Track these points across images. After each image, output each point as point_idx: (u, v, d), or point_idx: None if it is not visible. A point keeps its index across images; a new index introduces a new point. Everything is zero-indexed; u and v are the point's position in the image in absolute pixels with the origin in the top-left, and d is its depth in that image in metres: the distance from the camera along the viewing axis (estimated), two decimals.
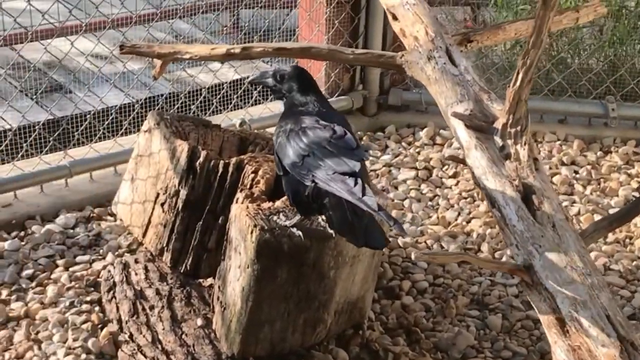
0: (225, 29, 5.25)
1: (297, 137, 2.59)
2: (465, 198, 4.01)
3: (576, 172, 4.28)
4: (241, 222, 2.75)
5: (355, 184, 2.36)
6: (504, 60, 4.92)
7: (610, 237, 3.73)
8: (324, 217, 2.64)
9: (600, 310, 2.28)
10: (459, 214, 3.90)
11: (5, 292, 3.29)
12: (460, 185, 4.11)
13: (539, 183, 2.54)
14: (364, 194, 2.33)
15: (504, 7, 4.97)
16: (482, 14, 5.54)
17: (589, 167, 4.30)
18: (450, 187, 4.13)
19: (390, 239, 3.62)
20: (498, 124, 2.65)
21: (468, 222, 3.84)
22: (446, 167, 4.26)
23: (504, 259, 3.54)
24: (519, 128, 2.62)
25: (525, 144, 2.61)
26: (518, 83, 2.57)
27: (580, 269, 2.35)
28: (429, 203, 4.01)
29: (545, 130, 4.62)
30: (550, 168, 4.28)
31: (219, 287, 2.96)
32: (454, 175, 4.19)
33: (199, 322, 2.99)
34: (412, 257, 2.21)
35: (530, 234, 2.43)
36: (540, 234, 2.43)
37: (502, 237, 2.55)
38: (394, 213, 3.83)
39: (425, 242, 3.67)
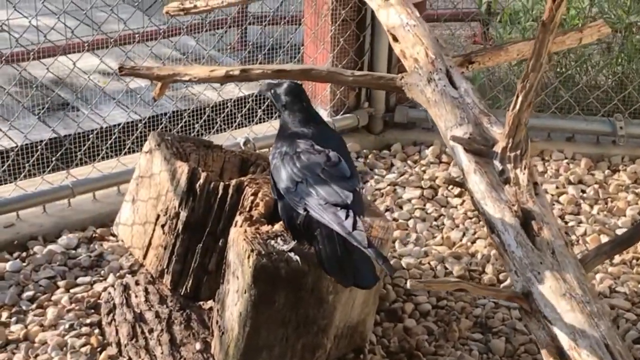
0: (231, 45, 5.24)
1: (291, 162, 2.56)
2: (471, 218, 3.97)
3: (583, 191, 4.24)
4: (239, 246, 2.73)
5: (347, 216, 2.33)
6: (510, 77, 4.88)
7: (617, 258, 3.68)
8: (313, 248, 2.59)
9: (599, 339, 2.24)
10: (464, 234, 3.87)
11: (5, 314, 3.28)
12: (466, 204, 4.07)
13: (538, 208, 2.51)
14: (354, 228, 2.29)
15: (510, 23, 4.94)
16: (489, 30, 5.52)
17: (596, 186, 4.26)
18: (456, 207, 4.09)
19: (393, 260, 3.59)
20: (498, 148, 2.62)
21: (473, 242, 3.81)
22: (452, 186, 4.22)
23: (508, 281, 3.51)
24: (518, 152, 2.59)
25: (525, 168, 2.58)
26: (518, 106, 2.54)
27: (579, 296, 2.31)
28: (434, 223, 3.98)
29: (553, 148, 4.58)
30: (557, 187, 4.24)
31: (217, 310, 2.94)
32: (460, 195, 4.15)
33: (198, 346, 2.96)
34: (408, 285, 2.17)
35: (529, 260, 2.39)
36: (539, 261, 2.39)
37: (502, 263, 2.51)
38: (397, 233, 3.80)
39: (429, 263, 3.64)
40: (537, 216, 2.48)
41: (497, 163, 2.60)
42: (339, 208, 2.36)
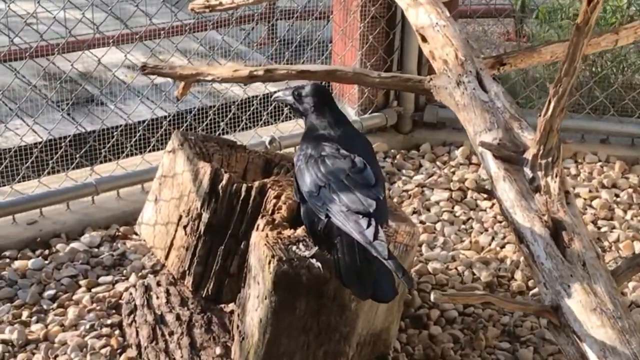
0: (259, 40, 5.18)
1: (315, 165, 2.49)
2: (500, 222, 3.88)
3: (617, 196, 4.13)
4: (260, 251, 2.67)
5: (369, 225, 2.25)
6: (544, 76, 4.77)
7: None
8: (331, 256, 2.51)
9: (630, 357, 2.15)
10: (493, 238, 3.78)
11: (26, 313, 3.25)
12: (496, 208, 3.97)
13: (569, 218, 2.42)
14: (375, 238, 2.22)
15: (546, 21, 4.84)
16: (524, 27, 5.41)
17: (630, 190, 4.14)
18: (485, 210, 4.01)
19: (419, 265, 3.52)
20: (528, 155, 2.53)
21: (502, 247, 3.72)
22: (474, 188, 4.13)
23: (537, 288, 3.41)
24: (550, 159, 2.50)
25: (556, 176, 2.49)
26: (550, 112, 2.45)
27: (610, 311, 2.23)
28: (462, 226, 3.89)
29: (586, 150, 4.48)
30: (590, 191, 4.14)
31: (238, 315, 2.88)
32: (489, 198, 4.06)
33: (218, 350, 2.91)
34: (432, 298, 2.10)
35: (558, 272, 2.31)
36: (569, 273, 2.31)
37: (531, 274, 2.43)
38: (424, 236, 3.72)
39: (456, 268, 3.55)
40: (568, 227, 2.40)
41: (527, 170, 2.52)
42: (361, 216, 2.29)
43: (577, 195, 4.06)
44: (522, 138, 2.61)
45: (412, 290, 3.35)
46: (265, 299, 2.64)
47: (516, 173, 2.53)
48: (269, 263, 2.61)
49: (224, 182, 3.07)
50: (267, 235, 2.72)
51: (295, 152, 2.67)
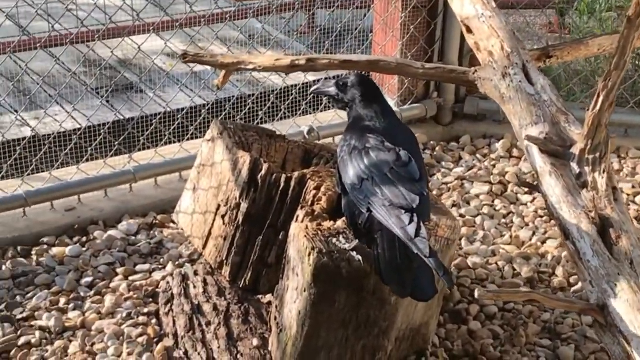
0: (299, 29, 5.15)
1: (359, 157, 2.45)
2: (542, 217, 3.82)
3: None
4: (299, 242, 2.64)
5: (411, 221, 2.21)
6: (587, 69, 4.69)
7: None
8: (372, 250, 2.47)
9: None
10: (533, 233, 3.72)
11: (63, 301, 3.25)
12: (537, 202, 3.92)
13: (617, 215, 2.37)
14: (417, 235, 2.17)
15: (587, 13, 4.75)
16: (566, 19, 5.33)
17: None
18: (526, 204, 3.94)
19: (459, 259, 3.47)
20: (575, 150, 2.48)
21: (543, 242, 3.66)
22: (518, 183, 4.07)
23: (579, 284, 3.36)
24: (597, 155, 2.45)
25: (604, 172, 2.44)
26: (598, 106, 2.40)
27: None
28: (503, 220, 3.83)
29: (630, 145, 4.40)
30: (634, 187, 4.06)
31: (276, 306, 2.86)
32: (530, 192, 4.00)
33: (255, 342, 2.89)
34: (476, 295, 2.06)
35: (605, 270, 2.26)
36: (616, 272, 2.26)
37: (576, 272, 2.38)
38: (464, 230, 3.67)
39: (496, 263, 3.50)
40: (616, 224, 2.35)
41: (574, 166, 2.47)
42: (403, 211, 2.24)
43: (620, 191, 3.98)
44: (569, 132, 2.56)
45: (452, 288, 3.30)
46: (305, 291, 2.61)
47: (563, 168, 2.48)
48: (309, 255, 2.58)
49: (263, 172, 3.05)
50: (307, 227, 2.69)
51: (339, 143, 2.63)
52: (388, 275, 2.32)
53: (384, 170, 2.36)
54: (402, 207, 2.26)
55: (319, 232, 2.67)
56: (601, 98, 2.38)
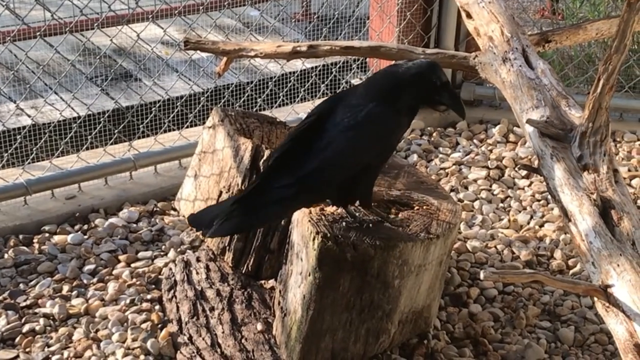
0: (295, 16, 5.16)
1: None
2: (539, 200, 3.85)
3: None
4: (303, 227, 2.66)
5: None
6: (581, 54, 4.72)
7: None
8: None
9: None
10: (531, 217, 3.75)
11: (66, 288, 3.27)
12: (534, 186, 3.95)
13: (618, 197, 2.39)
14: None
15: None
16: (560, 4, 5.35)
17: None
18: (523, 189, 3.98)
19: (458, 243, 3.50)
20: (576, 133, 2.51)
21: (541, 226, 3.69)
22: (519, 166, 4.10)
23: (577, 267, 3.40)
24: (598, 137, 2.47)
25: (604, 154, 2.46)
26: (599, 90, 2.42)
27: None
28: (500, 205, 3.87)
29: (625, 129, 4.43)
30: (629, 170, 4.09)
31: (280, 291, 2.88)
32: (527, 176, 4.03)
33: (259, 326, 2.91)
34: (481, 276, 2.09)
35: (608, 252, 2.28)
36: (618, 252, 2.28)
37: (578, 253, 2.41)
38: (463, 214, 3.70)
39: (495, 246, 3.53)
40: (617, 205, 2.37)
41: (575, 148, 2.49)
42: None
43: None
44: (569, 116, 2.58)
45: (451, 268, 3.33)
46: (309, 275, 2.64)
47: (564, 151, 2.50)
48: (313, 239, 2.60)
49: (265, 158, 3.07)
50: (310, 212, 2.71)
51: None
52: None
53: None
54: None
55: (323, 216, 2.70)
56: (602, 81, 2.41)
